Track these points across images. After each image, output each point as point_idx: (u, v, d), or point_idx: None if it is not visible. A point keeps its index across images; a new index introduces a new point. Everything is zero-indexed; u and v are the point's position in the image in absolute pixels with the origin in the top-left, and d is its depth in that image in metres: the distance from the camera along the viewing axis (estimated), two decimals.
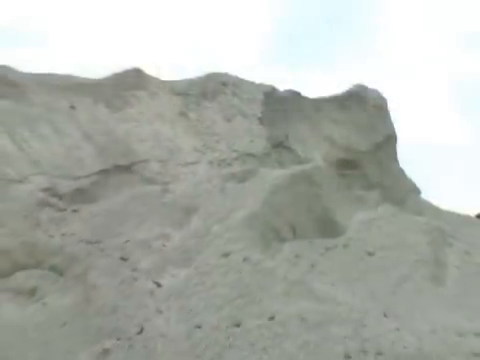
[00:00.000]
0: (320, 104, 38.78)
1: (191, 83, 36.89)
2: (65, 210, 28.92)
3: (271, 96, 37.61)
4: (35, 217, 27.63)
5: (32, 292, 24.56)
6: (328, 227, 29.56)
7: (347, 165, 35.82)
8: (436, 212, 35.66)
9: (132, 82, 34.85)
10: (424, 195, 39.18)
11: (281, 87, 38.91)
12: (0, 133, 29.28)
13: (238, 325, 21.44)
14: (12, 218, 26.82)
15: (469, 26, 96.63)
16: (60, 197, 29.28)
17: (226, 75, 38.29)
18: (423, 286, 26.00)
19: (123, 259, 25.45)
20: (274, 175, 30.69)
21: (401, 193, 36.37)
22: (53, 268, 26.03)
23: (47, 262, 26.27)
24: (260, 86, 38.16)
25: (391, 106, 42.08)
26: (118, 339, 21.00)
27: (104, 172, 31.23)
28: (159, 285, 23.84)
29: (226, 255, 25.38)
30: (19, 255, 25.47)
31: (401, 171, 39.37)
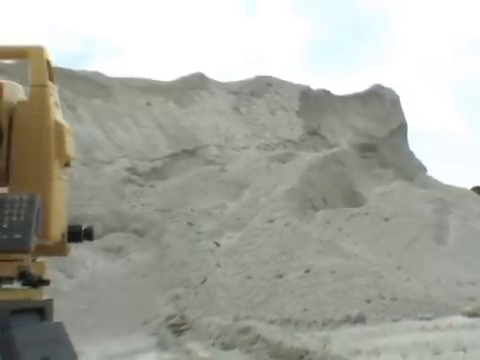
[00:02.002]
0: (346, 100, 38.54)
1: (242, 84, 36.85)
2: (144, 185, 29.18)
3: (307, 94, 37.45)
4: (121, 191, 27.93)
5: (119, 250, 24.87)
6: (352, 198, 29.46)
7: (367, 149, 35.62)
8: (439, 186, 35.29)
9: (196, 83, 34.93)
10: (429, 172, 38.80)
11: (315, 86, 38.77)
12: (93, 125, 29.62)
13: (281, 276, 21.52)
14: (103, 192, 27.16)
15: (470, 34, 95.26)
16: (140, 175, 29.53)
17: (270, 77, 38.18)
18: (429, 245, 25.83)
19: (190, 224, 25.64)
20: (309, 157, 30.65)
21: (411, 171, 36.07)
22: (135, 231, 26.33)
23: (130, 226, 26.56)
24: (298, 86, 37.98)
25: (403, 101, 41.74)
26: (186, 287, 21.21)
27: (174, 155, 31.43)
28: (218, 245, 23.99)
29: (271, 221, 25.42)
30: (109, 221, 25.78)
31: (411, 153, 39.03)
